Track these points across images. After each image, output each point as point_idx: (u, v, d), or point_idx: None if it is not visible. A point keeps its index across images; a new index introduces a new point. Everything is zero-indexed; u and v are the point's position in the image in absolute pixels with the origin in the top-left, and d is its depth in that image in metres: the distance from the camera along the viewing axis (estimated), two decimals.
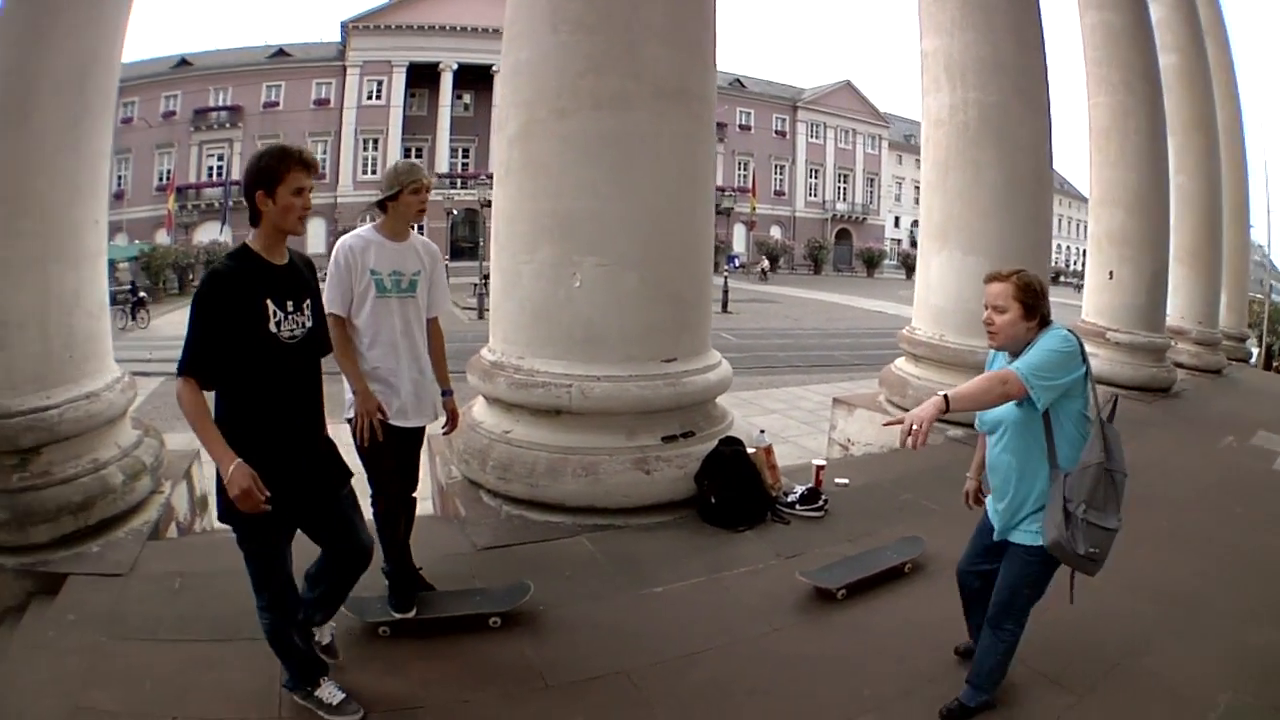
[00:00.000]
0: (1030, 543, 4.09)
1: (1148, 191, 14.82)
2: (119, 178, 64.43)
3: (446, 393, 5.50)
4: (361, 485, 4.70)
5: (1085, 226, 18.44)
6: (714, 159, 7.58)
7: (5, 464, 6.22)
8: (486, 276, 39.18)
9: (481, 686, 4.64)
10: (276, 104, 71.65)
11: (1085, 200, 24.22)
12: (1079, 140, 15.86)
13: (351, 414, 4.99)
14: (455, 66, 71.34)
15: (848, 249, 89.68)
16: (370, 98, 71.68)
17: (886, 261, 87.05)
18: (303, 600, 4.45)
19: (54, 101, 6.31)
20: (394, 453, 5.11)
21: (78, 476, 6.37)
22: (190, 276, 55.85)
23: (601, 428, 6.86)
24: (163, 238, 59.37)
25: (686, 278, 7.22)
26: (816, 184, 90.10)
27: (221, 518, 4.03)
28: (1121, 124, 14.83)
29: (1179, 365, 16.47)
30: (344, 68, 71.59)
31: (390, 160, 65.73)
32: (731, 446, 7.07)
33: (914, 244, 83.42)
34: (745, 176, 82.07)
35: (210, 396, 3.84)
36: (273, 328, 3.87)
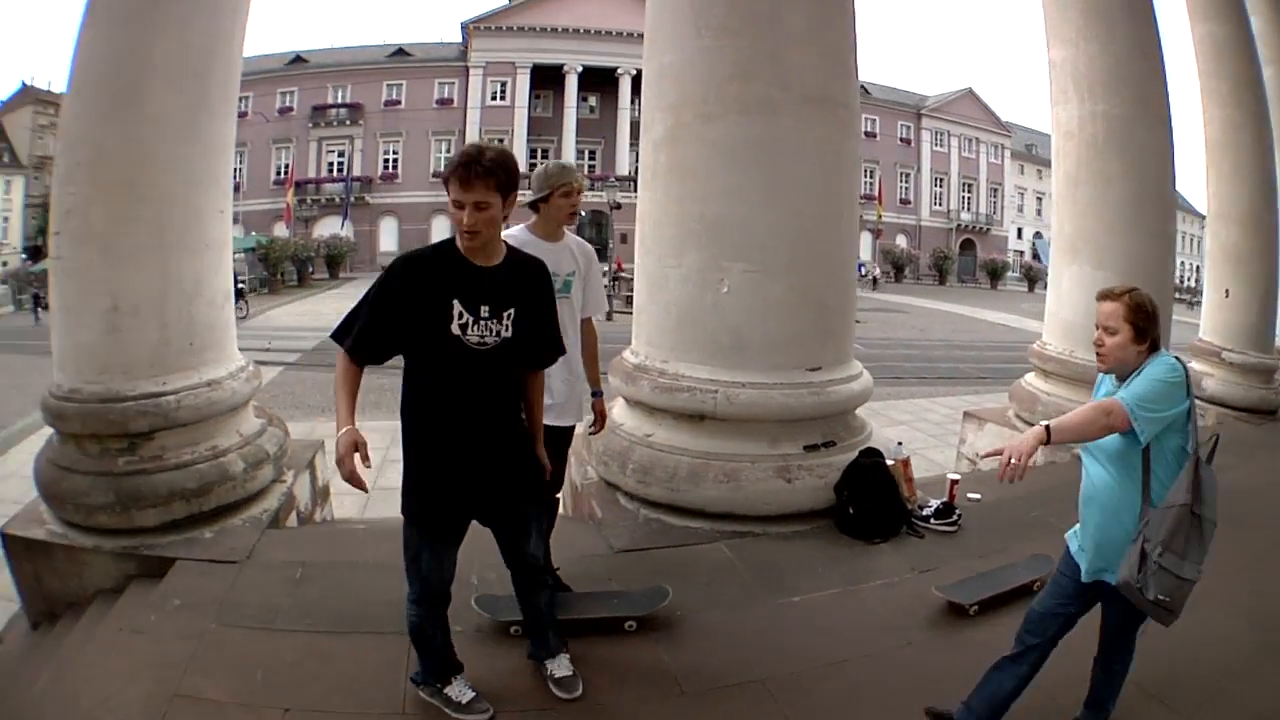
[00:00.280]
0: None
1: (1260, 207, 14.17)
2: (235, 170, 65.29)
3: (596, 393, 5.53)
4: None
5: (1198, 242, 17.84)
6: (858, 167, 7.42)
7: (112, 448, 6.29)
8: (616, 278, 39.50)
9: (615, 690, 4.55)
10: (398, 102, 72.67)
11: (1199, 215, 23.62)
12: (1194, 154, 15.33)
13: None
14: (579, 69, 71.39)
15: (972, 259, 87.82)
16: (494, 98, 72.04)
17: (1009, 274, 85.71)
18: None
19: (169, 89, 6.36)
20: None
21: (194, 463, 6.41)
22: (310, 269, 57.06)
23: (744, 434, 6.71)
24: (280, 230, 60.91)
25: (832, 285, 7.05)
26: (941, 193, 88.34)
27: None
28: (1233, 137, 14.20)
29: None
30: (466, 68, 72.19)
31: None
32: (871, 458, 6.91)
33: (1035, 256, 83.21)
34: (871, 184, 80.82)
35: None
36: (456, 329, 3.81)
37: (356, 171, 69.36)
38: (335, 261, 61.69)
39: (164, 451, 6.35)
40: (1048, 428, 3.55)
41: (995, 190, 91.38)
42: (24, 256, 73.89)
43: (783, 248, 6.67)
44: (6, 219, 78.37)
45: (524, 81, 71.52)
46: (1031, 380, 11.05)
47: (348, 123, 72.24)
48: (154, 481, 6.19)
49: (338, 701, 4.37)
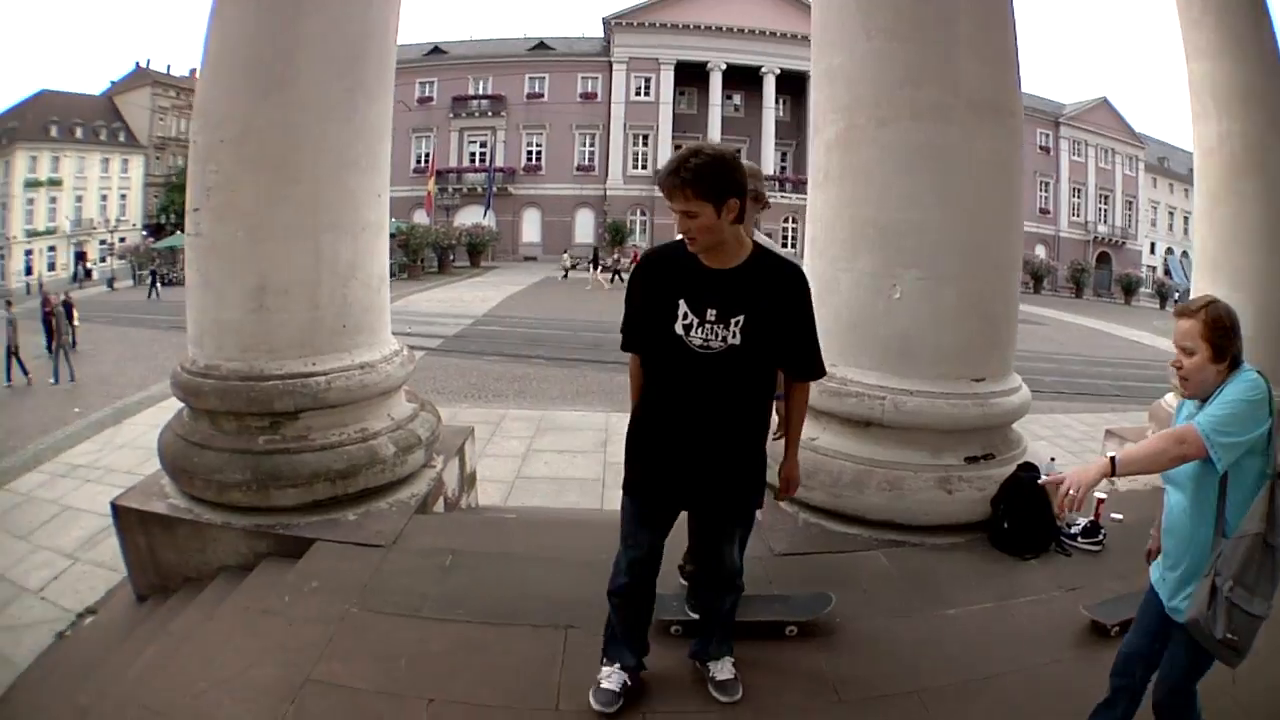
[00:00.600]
0: None
1: None
2: None
3: (777, 396, 5.37)
4: None
5: None
6: (1023, 176, 7.27)
7: (251, 425, 6.36)
8: None
9: (774, 695, 4.47)
10: (540, 95, 73.50)
11: None
12: None
13: None
14: (723, 66, 71.16)
15: (1107, 273, 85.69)
16: (638, 93, 72.36)
17: (1141, 289, 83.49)
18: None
19: (322, 70, 6.41)
20: None
21: (342, 444, 6.46)
22: (451, 257, 57.85)
23: (907, 443, 6.60)
24: (420, 218, 62.03)
25: (999, 295, 6.91)
26: (1079, 204, 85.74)
27: None
28: None
29: None
30: (609, 63, 72.67)
31: (660, 156, 67.18)
32: (1028, 473, 6.72)
33: (1167, 272, 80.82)
34: None
35: None
36: (679, 329, 3.81)
37: (499, 162, 70.56)
38: (477, 250, 62.49)
39: (309, 432, 6.40)
40: (1113, 459, 3.35)
41: (1130, 203, 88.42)
42: (145, 233, 77.21)
43: (954, 256, 6.55)
44: (125, 196, 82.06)
45: (668, 77, 71.70)
46: (1170, 401, 10.59)
47: (489, 114, 73.45)
48: (296, 461, 6.23)
49: (486, 695, 4.33)
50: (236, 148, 6.28)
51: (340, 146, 6.54)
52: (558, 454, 12.34)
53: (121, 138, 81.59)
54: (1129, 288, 77.06)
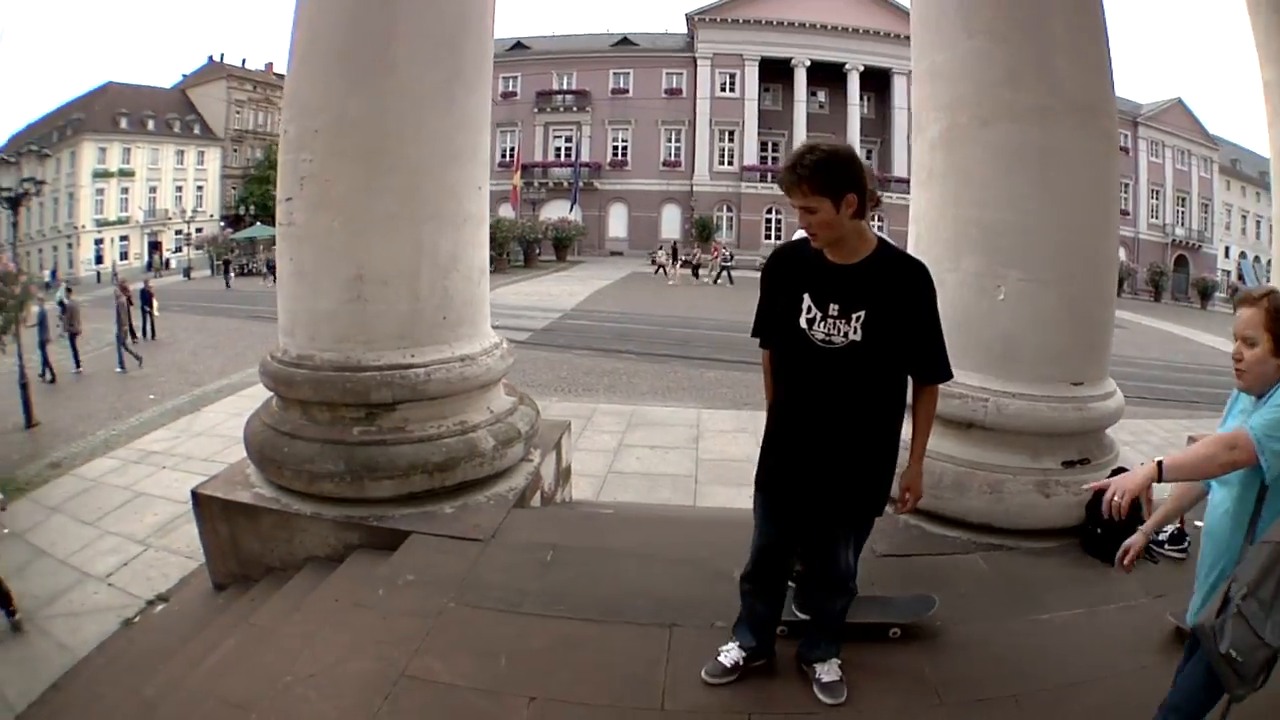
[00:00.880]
0: None
1: None
2: None
3: None
4: None
5: None
6: (1119, 178, 7.09)
7: (346, 416, 6.35)
8: None
9: (876, 697, 4.44)
10: (625, 91, 73.75)
11: None
12: None
13: None
14: (808, 63, 70.70)
15: (1184, 276, 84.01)
16: (723, 89, 72.25)
17: (1217, 294, 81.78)
18: None
19: (419, 59, 6.39)
20: None
21: (440, 437, 6.43)
22: (537, 251, 58.27)
23: (1008, 446, 6.54)
24: (506, 211, 62.02)
25: (1098, 299, 6.80)
26: (1157, 205, 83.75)
27: None
28: None
29: None
30: (693, 59, 72.58)
31: (746, 153, 68.39)
32: None
33: (1240, 277, 79.07)
34: None
35: None
36: (803, 323, 3.84)
37: (584, 157, 70.73)
38: (563, 244, 63.01)
39: (406, 424, 6.38)
40: (1160, 464, 3.23)
41: (1205, 206, 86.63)
42: (222, 224, 78.73)
43: (1056, 258, 6.47)
44: (201, 188, 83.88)
45: (752, 73, 71.45)
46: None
47: (574, 109, 73.92)
48: (393, 453, 6.21)
49: (589, 693, 4.28)
50: (331, 137, 6.29)
51: (440, 136, 6.51)
52: (649, 449, 12.36)
53: (196, 130, 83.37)
54: (1205, 291, 75.61)
